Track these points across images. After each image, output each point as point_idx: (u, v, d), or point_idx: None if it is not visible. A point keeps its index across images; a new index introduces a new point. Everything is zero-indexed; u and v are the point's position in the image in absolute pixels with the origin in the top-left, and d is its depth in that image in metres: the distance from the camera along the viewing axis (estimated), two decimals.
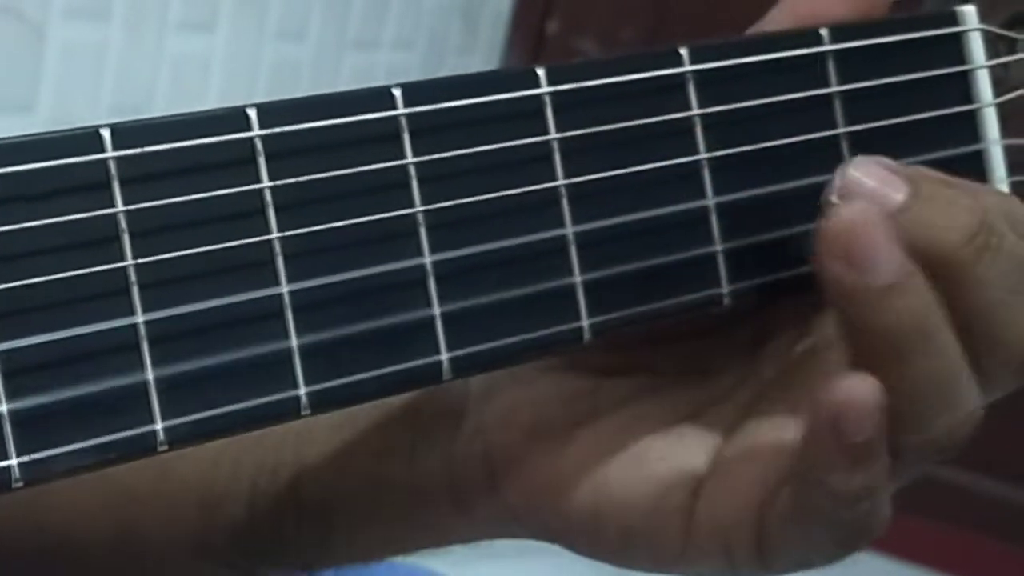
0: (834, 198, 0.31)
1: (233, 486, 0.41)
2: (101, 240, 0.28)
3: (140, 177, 0.28)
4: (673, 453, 0.35)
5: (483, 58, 1.76)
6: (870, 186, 0.31)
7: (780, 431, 0.34)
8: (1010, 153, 0.36)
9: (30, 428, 0.27)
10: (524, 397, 0.36)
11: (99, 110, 1.24)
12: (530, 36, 1.79)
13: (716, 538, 0.33)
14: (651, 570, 0.35)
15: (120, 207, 0.28)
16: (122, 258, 0.28)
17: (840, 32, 0.35)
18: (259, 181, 0.29)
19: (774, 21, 0.36)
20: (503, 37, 1.78)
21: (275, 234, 0.29)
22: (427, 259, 0.31)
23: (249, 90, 1.42)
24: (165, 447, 0.29)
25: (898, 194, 0.31)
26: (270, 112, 0.30)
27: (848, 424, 0.30)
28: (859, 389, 0.30)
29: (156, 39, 1.28)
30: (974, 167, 0.36)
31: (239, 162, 0.29)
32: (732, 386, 0.36)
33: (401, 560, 0.58)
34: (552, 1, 1.80)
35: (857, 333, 0.31)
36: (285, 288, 0.30)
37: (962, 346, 0.32)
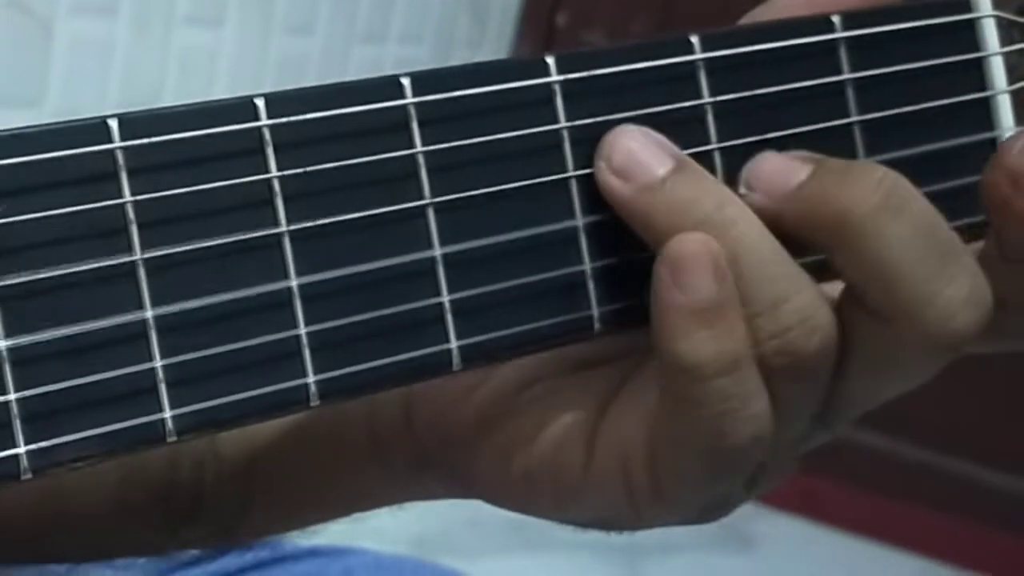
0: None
1: None
2: (109, 230, 0.28)
3: (147, 167, 0.28)
4: (581, 384, 0.35)
5: (491, 52, 1.76)
6: (770, 170, 0.33)
7: None
8: None
9: (39, 418, 0.27)
10: None
11: (106, 105, 1.24)
12: (539, 29, 1.79)
13: (616, 457, 0.33)
14: (553, 509, 0.35)
15: (128, 197, 0.28)
16: (130, 248, 0.28)
17: (852, 19, 0.34)
18: (267, 171, 0.29)
19: (785, 3, 0.36)
20: (512, 30, 1.78)
21: (283, 223, 0.29)
22: (436, 248, 0.31)
23: (257, 84, 1.41)
24: (174, 437, 0.29)
25: (800, 173, 0.32)
26: (278, 102, 0.30)
27: (686, 275, 0.30)
28: (690, 239, 0.31)
29: (163, 33, 1.28)
30: (988, 155, 0.36)
31: (247, 152, 0.29)
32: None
33: (408, 555, 0.57)
34: None
35: (656, 240, 0.31)
36: (294, 277, 0.29)
37: (865, 315, 0.32)
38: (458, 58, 1.69)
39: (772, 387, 0.32)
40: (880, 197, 0.31)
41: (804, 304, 0.31)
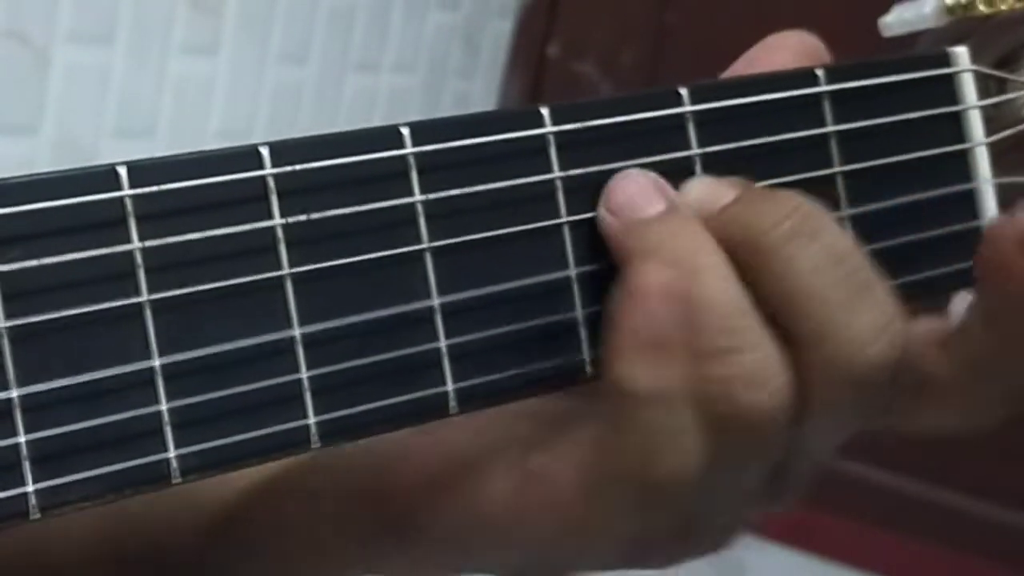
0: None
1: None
2: (118, 276, 0.29)
3: (155, 214, 0.29)
4: (509, 427, 0.35)
5: (484, 81, 1.77)
6: (698, 193, 0.34)
7: None
8: (1001, 191, 0.37)
9: (48, 459, 0.28)
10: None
11: (102, 133, 1.25)
12: (531, 59, 1.80)
13: (541, 489, 0.34)
14: (489, 552, 0.35)
15: (136, 243, 0.29)
16: (137, 294, 0.29)
17: (836, 73, 0.36)
18: (271, 217, 0.30)
19: (770, 50, 0.37)
20: (504, 60, 1.79)
21: (287, 270, 0.30)
22: (434, 294, 0.32)
23: (252, 112, 1.43)
24: (179, 478, 0.29)
25: (726, 197, 0.33)
26: (282, 150, 0.31)
27: (641, 303, 0.32)
28: (652, 270, 0.32)
29: (159, 62, 1.29)
30: (966, 205, 0.37)
31: (252, 199, 0.30)
32: None
33: None
34: (553, 25, 1.81)
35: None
36: (296, 323, 0.30)
37: (779, 335, 0.32)
38: (451, 87, 1.70)
39: (713, 428, 0.32)
40: (794, 222, 0.32)
41: (753, 361, 0.32)
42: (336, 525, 0.38)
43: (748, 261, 0.33)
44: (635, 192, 0.33)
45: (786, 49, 0.37)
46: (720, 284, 0.32)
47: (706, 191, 0.34)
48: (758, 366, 0.32)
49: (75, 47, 1.20)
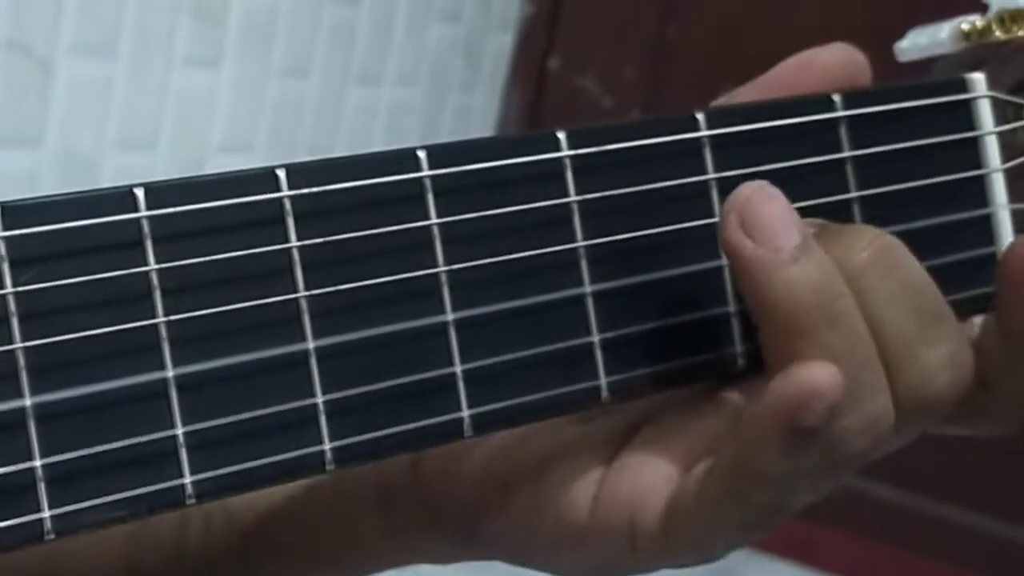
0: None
1: None
2: (133, 297, 0.29)
3: (171, 236, 0.29)
4: (587, 433, 0.36)
5: (484, 95, 1.77)
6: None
7: (698, 414, 0.35)
8: (1017, 217, 0.37)
9: (62, 481, 0.28)
10: None
11: (105, 145, 1.25)
12: (532, 74, 1.80)
13: (624, 507, 0.34)
14: (550, 557, 0.36)
15: (152, 265, 0.29)
16: (153, 315, 0.29)
17: (853, 98, 0.36)
18: (287, 240, 0.30)
19: (771, 80, 0.37)
20: (505, 75, 1.79)
21: (302, 292, 0.30)
22: (450, 317, 0.32)
23: (253, 125, 1.43)
24: (193, 500, 0.29)
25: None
26: (299, 172, 0.31)
27: (805, 410, 0.31)
28: (822, 375, 0.31)
29: (162, 75, 1.29)
30: (982, 231, 0.37)
31: (268, 221, 0.30)
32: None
33: None
34: (553, 39, 1.81)
35: (763, 309, 0.32)
36: (311, 345, 0.30)
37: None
38: (452, 101, 1.70)
39: (823, 466, 0.33)
40: (869, 255, 0.33)
41: (874, 407, 0.32)
42: (379, 519, 0.38)
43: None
44: (775, 217, 0.32)
45: (817, 72, 0.36)
46: (855, 334, 0.32)
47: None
48: (878, 411, 0.32)
49: (78, 59, 1.20)
